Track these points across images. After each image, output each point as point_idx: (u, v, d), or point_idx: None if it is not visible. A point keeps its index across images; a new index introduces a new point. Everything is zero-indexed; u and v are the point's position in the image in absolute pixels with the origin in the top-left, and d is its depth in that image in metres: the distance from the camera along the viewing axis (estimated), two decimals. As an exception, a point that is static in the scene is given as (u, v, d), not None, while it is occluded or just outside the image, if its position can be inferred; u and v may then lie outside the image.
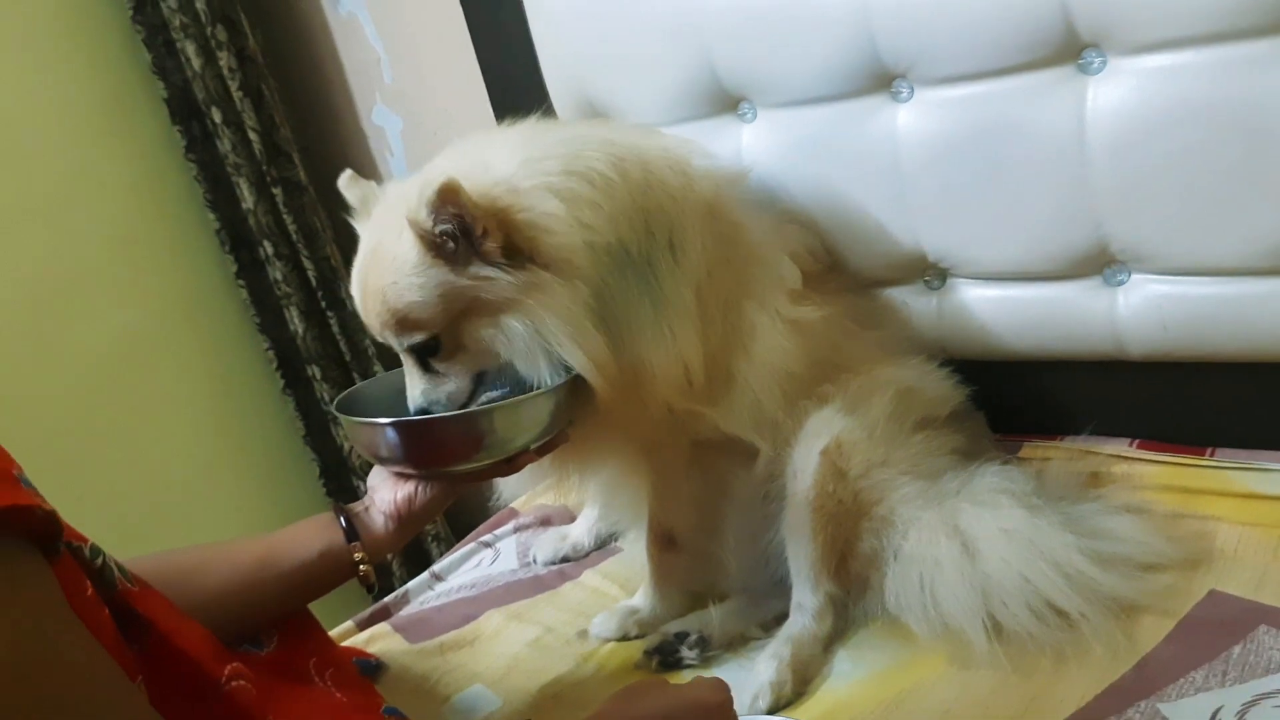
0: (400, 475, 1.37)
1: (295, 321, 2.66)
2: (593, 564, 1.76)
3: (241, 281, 2.65)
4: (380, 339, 1.34)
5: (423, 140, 2.55)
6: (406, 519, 1.36)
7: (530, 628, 1.61)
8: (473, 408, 1.34)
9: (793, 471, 1.45)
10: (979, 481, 1.44)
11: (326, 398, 2.74)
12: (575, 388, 1.31)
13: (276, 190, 2.54)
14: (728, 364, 1.44)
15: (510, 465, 1.35)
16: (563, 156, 1.32)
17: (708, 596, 1.54)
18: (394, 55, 2.47)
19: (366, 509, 1.37)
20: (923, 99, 1.52)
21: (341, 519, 1.35)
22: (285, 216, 2.56)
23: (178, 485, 2.63)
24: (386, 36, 2.45)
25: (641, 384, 1.35)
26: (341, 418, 1.36)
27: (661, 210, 1.37)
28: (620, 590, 1.67)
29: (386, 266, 1.28)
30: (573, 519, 1.88)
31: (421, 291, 1.26)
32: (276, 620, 1.33)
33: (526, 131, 1.42)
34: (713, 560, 1.54)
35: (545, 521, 1.91)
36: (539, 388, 1.30)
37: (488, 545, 1.87)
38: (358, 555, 1.32)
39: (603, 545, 1.80)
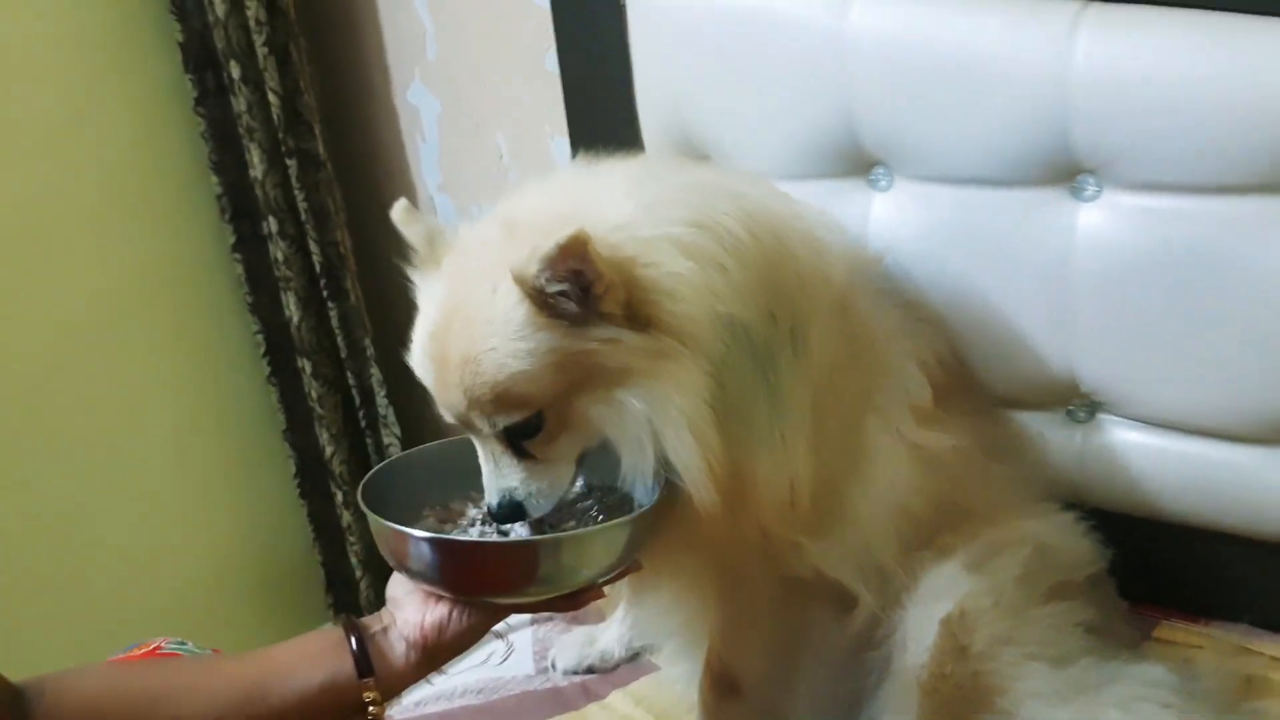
0: (432, 594, 1.10)
1: (291, 308, 2.41)
2: (622, 682, 1.49)
3: (238, 255, 2.40)
4: (456, 420, 1.08)
5: (461, 130, 2.28)
6: (434, 649, 1.09)
7: (546, 763, 1.35)
8: (531, 537, 1.08)
9: (902, 640, 1.21)
10: (1125, 679, 1.19)
11: (314, 395, 2.50)
12: (660, 510, 1.06)
13: (290, 161, 2.29)
14: (839, 489, 1.20)
15: (570, 601, 1.10)
16: (690, 205, 1.09)
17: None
18: (442, 29, 2.21)
19: (385, 630, 1.10)
20: (1112, 202, 1.27)
21: (353, 640, 1.07)
22: (296, 191, 2.31)
23: (138, 465, 2.43)
24: (437, 7, 2.19)
25: (741, 499, 1.10)
26: (369, 515, 1.08)
27: (788, 291, 1.13)
28: (655, 724, 1.40)
29: (480, 330, 1.03)
30: (602, 618, 1.60)
31: (530, 359, 1.02)
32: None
33: (637, 170, 1.18)
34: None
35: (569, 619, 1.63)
36: (632, 486, 1.09)
37: (499, 636, 1.60)
38: (369, 696, 1.05)
39: (635, 657, 1.53)
